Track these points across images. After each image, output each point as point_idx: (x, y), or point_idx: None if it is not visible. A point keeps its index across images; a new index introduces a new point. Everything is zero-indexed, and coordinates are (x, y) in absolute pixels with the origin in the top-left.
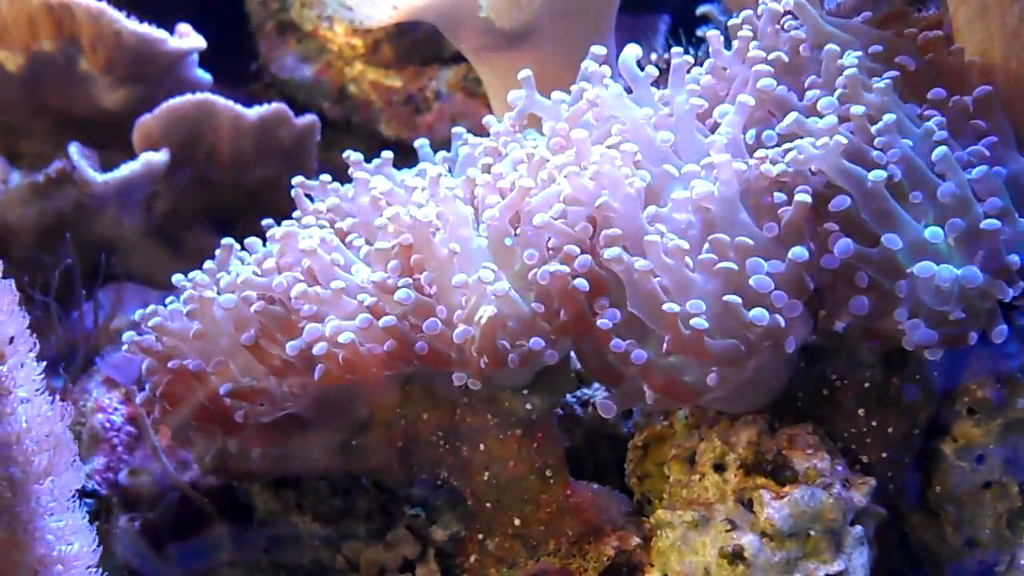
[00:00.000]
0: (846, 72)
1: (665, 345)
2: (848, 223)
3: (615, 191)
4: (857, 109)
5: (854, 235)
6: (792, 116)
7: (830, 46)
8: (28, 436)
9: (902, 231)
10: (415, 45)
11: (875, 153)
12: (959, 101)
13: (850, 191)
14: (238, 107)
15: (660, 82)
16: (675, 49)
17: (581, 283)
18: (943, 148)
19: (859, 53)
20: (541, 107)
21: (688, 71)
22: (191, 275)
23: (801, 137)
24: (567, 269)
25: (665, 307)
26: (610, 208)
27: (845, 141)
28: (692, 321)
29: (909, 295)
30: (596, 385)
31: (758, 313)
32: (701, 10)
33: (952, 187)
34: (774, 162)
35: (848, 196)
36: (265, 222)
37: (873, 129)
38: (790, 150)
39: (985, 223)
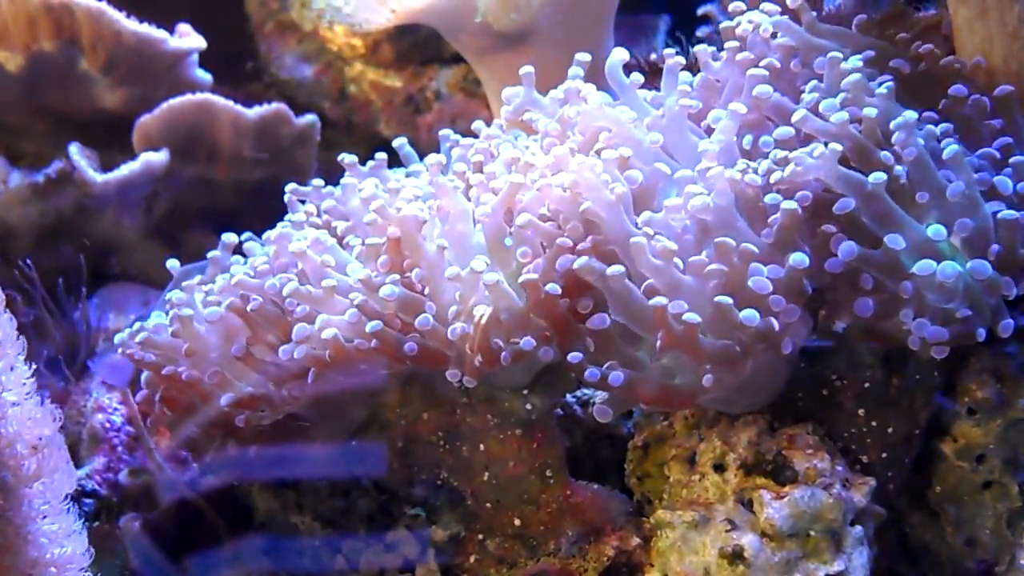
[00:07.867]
0: (849, 77)
1: (658, 342)
2: (849, 226)
3: (595, 197)
4: (869, 111)
5: (856, 238)
6: (800, 113)
7: (832, 53)
8: (19, 440)
9: (904, 232)
10: (415, 45)
11: (883, 154)
12: (977, 100)
13: (851, 196)
14: (238, 107)
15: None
16: (667, 51)
17: (553, 288)
18: (954, 147)
19: (859, 58)
20: (538, 105)
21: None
22: (168, 295)
23: (803, 139)
24: (536, 276)
25: (652, 301)
26: (593, 214)
27: (840, 148)
28: (684, 316)
29: (914, 295)
30: None
31: (749, 314)
32: (702, 10)
33: (961, 186)
34: (770, 171)
35: (851, 199)
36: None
37: (892, 124)
38: (788, 163)
39: (1003, 213)
